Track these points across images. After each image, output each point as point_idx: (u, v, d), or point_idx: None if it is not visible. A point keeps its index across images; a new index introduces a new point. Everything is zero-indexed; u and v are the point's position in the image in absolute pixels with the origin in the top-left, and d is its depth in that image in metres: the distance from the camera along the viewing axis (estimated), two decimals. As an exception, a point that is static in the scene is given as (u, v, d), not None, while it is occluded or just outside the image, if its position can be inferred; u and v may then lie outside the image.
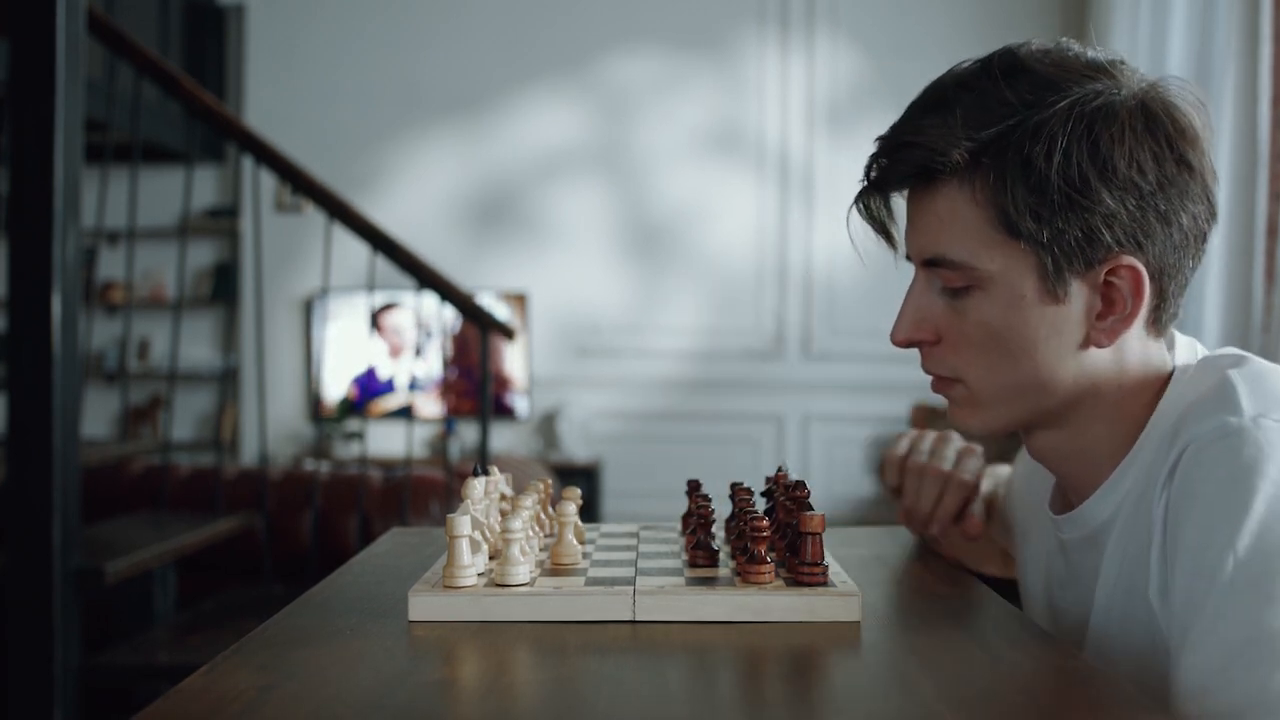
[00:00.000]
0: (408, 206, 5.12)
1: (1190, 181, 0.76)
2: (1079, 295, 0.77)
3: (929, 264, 0.81)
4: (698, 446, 4.92)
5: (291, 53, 5.18)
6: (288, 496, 2.67)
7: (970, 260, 0.78)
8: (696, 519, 0.85)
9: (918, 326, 0.82)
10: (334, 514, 2.65)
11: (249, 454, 5.33)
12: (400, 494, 2.66)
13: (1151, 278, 0.77)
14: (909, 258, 0.83)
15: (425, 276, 2.91)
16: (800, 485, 0.81)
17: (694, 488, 0.94)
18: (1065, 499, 0.88)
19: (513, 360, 5.05)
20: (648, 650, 0.68)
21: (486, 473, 0.88)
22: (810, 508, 0.78)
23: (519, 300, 4.98)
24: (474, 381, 5.16)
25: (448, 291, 2.95)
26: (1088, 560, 0.84)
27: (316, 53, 5.16)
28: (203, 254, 5.27)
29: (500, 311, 4.86)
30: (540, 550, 0.86)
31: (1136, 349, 0.80)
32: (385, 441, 5.07)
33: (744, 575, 0.76)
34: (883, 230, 0.85)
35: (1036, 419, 0.83)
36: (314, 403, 5.20)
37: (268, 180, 4.94)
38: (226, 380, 5.30)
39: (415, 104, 5.03)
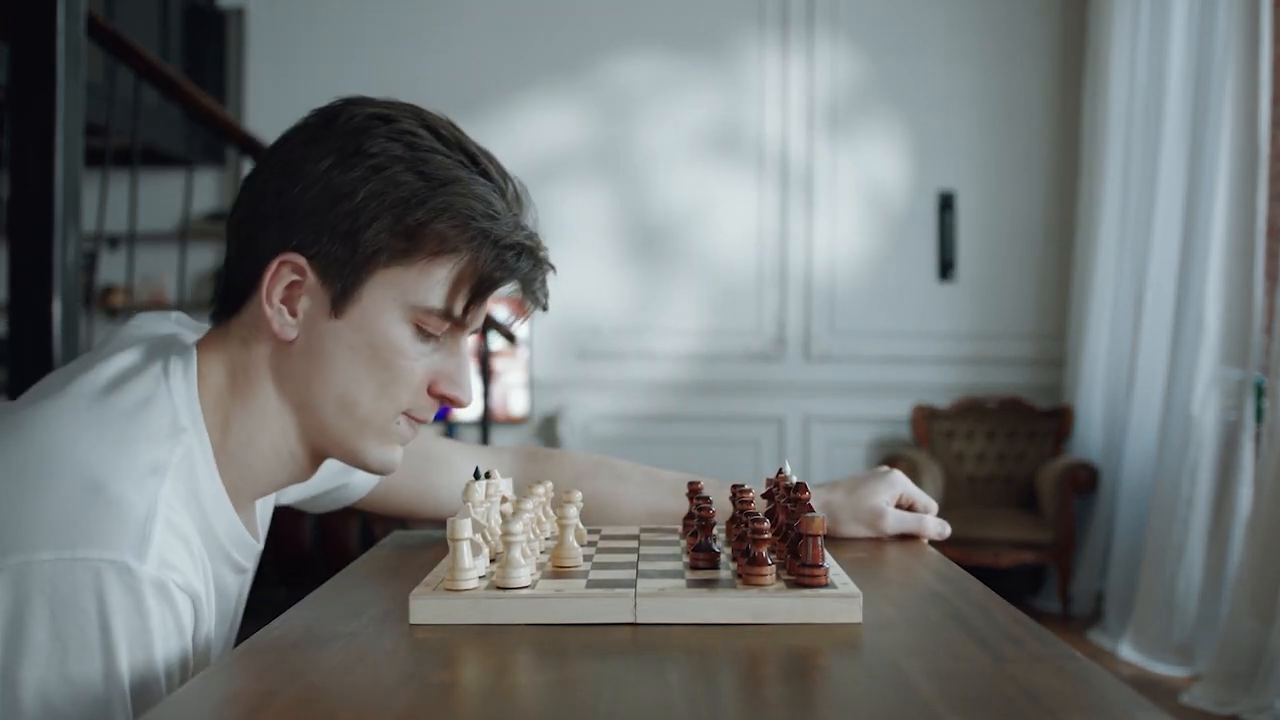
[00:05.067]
0: (408, 209, 5.11)
1: None
2: None
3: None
4: (699, 448, 4.91)
5: (292, 56, 5.19)
6: (289, 499, 2.68)
7: None
8: (697, 521, 0.85)
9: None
10: (335, 517, 2.65)
11: (250, 457, 5.32)
12: (401, 497, 2.66)
13: None
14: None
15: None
16: (801, 487, 0.81)
17: (695, 490, 0.94)
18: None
19: (514, 363, 5.05)
20: (649, 652, 0.68)
21: (488, 475, 0.88)
22: (811, 509, 0.78)
23: (520, 303, 4.98)
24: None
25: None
26: None
27: (317, 56, 5.16)
28: (203, 258, 5.27)
29: (500, 314, 4.86)
30: (541, 553, 0.86)
31: None
32: (386, 444, 5.07)
33: (745, 577, 0.76)
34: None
35: None
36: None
37: (268, 183, 4.95)
38: (227, 383, 5.29)
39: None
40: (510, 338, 3.88)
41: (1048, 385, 4.86)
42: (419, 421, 0.87)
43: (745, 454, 4.98)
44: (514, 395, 5.02)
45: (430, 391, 0.86)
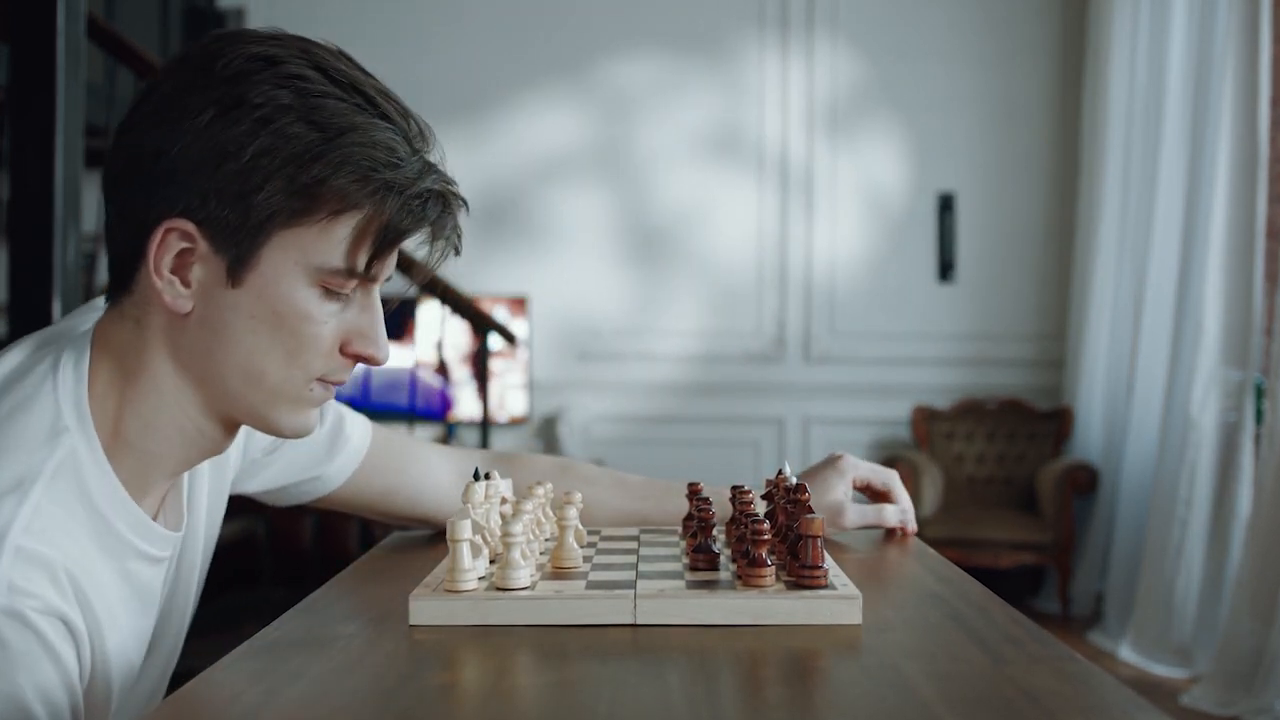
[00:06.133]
0: (408, 210, 5.11)
1: None
2: None
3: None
4: (698, 450, 4.91)
5: (291, 56, 5.19)
6: (288, 500, 2.68)
7: None
8: (697, 522, 0.85)
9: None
10: (334, 518, 2.65)
11: (250, 458, 5.32)
12: (401, 497, 2.66)
13: None
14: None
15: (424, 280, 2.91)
16: (801, 488, 0.81)
17: (694, 490, 0.94)
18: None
19: (513, 364, 5.06)
20: (648, 653, 0.68)
21: (487, 476, 0.88)
22: (810, 510, 0.78)
23: (520, 304, 4.99)
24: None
25: (448, 295, 2.96)
26: None
27: (316, 56, 5.16)
28: (203, 258, 5.28)
29: (501, 315, 4.86)
30: (540, 554, 0.86)
31: None
32: (386, 445, 5.06)
33: (744, 578, 0.76)
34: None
35: None
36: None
37: (268, 184, 4.95)
38: (227, 384, 5.28)
39: (415, 108, 5.00)
40: (510, 338, 3.86)
41: (1047, 386, 4.85)
42: (335, 384, 0.82)
43: (745, 455, 4.98)
44: (513, 396, 5.02)
45: (343, 351, 0.80)
